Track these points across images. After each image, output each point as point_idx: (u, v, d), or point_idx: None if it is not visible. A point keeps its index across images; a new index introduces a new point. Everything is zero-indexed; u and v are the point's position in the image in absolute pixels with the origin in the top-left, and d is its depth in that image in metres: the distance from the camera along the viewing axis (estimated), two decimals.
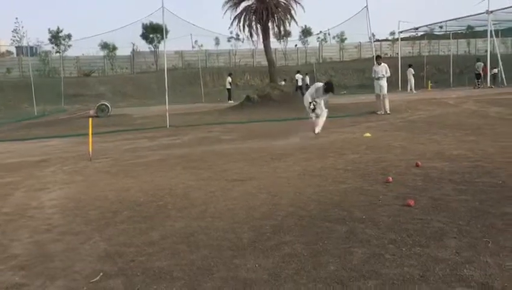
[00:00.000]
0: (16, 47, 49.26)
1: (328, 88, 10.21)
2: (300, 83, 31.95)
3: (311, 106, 10.53)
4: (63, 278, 3.44)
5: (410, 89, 28.81)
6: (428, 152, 7.72)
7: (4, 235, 4.56)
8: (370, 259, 3.43)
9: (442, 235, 3.83)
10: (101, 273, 3.47)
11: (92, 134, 9.31)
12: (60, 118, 22.59)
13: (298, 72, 33.42)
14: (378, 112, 15.58)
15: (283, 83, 30.35)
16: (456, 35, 44.64)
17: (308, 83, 30.76)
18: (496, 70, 29.61)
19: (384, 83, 15.88)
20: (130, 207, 5.32)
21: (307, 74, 33.36)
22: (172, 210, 5.11)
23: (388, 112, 15.40)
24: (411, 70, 29.35)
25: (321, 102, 10.37)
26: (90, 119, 10.00)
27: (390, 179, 5.84)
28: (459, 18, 32.21)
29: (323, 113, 10.53)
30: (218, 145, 10.17)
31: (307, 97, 10.48)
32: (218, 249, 3.83)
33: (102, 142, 11.67)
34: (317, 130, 10.29)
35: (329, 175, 6.41)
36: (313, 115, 10.48)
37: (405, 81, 29.81)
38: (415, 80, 29.55)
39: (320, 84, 10.46)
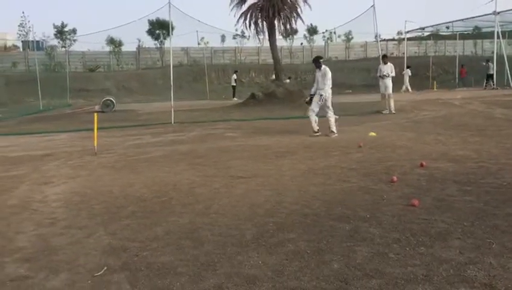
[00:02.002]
0: (22, 41, 49.41)
1: (313, 62, 10.92)
2: None
3: (307, 99, 10.86)
4: (67, 272, 3.45)
5: (406, 89, 28.83)
6: (433, 152, 7.70)
7: (9, 227, 4.58)
8: (374, 258, 3.43)
9: (446, 235, 3.83)
10: (105, 268, 3.48)
11: (97, 129, 9.33)
12: (65, 113, 22.68)
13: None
14: (384, 112, 15.56)
15: (288, 80, 30.37)
16: (463, 36, 44.43)
17: None
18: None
19: (389, 82, 15.87)
20: (134, 202, 5.33)
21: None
22: (177, 206, 5.12)
23: (393, 111, 15.37)
24: (408, 72, 29.52)
25: (318, 95, 10.60)
26: (96, 114, 10.03)
27: (395, 178, 5.83)
28: (466, 19, 32.05)
29: (329, 113, 10.59)
30: (222, 142, 10.17)
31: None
32: (222, 245, 3.84)
33: (107, 137, 11.70)
34: (334, 129, 10.51)
35: (333, 174, 6.41)
36: (310, 112, 10.64)
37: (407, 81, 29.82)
38: (409, 80, 29.87)
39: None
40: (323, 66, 10.78)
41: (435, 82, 33.67)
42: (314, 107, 10.71)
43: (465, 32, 42.27)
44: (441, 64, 40.09)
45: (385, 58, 16.51)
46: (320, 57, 11.20)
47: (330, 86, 10.70)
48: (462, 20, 32.48)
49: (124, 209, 5.08)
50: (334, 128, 10.52)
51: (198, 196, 5.52)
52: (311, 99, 10.82)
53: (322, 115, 10.87)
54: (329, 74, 10.60)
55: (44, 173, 7.36)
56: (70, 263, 3.62)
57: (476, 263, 3.25)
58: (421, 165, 6.60)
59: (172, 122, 14.85)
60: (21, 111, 24.40)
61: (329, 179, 6.13)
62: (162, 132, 12.90)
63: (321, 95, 10.59)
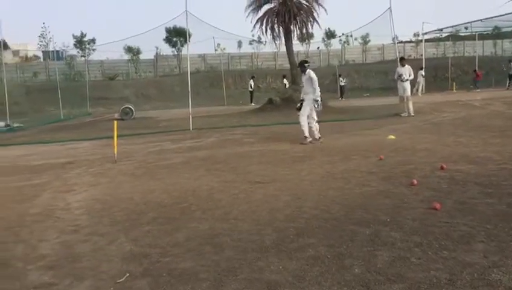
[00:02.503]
0: (43, 51, 50.42)
1: (298, 66, 10.87)
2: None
3: (298, 105, 10.66)
4: (91, 278, 3.50)
5: (416, 90, 28.60)
6: (454, 155, 7.60)
7: (32, 235, 4.67)
8: (395, 262, 3.40)
9: (469, 238, 3.78)
10: (127, 274, 3.52)
11: (117, 136, 9.45)
12: (86, 121, 23.01)
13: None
14: (402, 114, 15.42)
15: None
16: (482, 36, 43.81)
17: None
18: None
19: (407, 85, 15.73)
20: (155, 208, 5.38)
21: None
22: (197, 212, 5.15)
23: (412, 114, 15.22)
24: (421, 73, 29.27)
25: (308, 99, 10.38)
26: (115, 122, 10.16)
27: (415, 181, 5.77)
28: (485, 19, 31.61)
29: (312, 121, 10.44)
30: (240, 148, 10.20)
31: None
32: (243, 251, 3.85)
33: (127, 144, 11.83)
34: (306, 134, 10.26)
35: (353, 178, 6.38)
36: (302, 117, 10.40)
37: (419, 83, 29.52)
38: (424, 82, 29.70)
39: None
40: (307, 70, 10.53)
41: (454, 83, 33.24)
42: (306, 113, 10.43)
43: (485, 33, 41.67)
44: (460, 65, 39.54)
45: (403, 60, 16.38)
46: (306, 61, 10.97)
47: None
48: (481, 20, 32.06)
49: (145, 215, 5.13)
50: (306, 133, 10.26)
51: (217, 201, 5.55)
52: (301, 105, 10.58)
53: (320, 120, 10.77)
54: (315, 78, 10.36)
55: (66, 181, 7.47)
56: (93, 269, 3.67)
57: (500, 267, 3.20)
58: (442, 167, 6.52)
59: (191, 129, 14.94)
60: (42, 120, 24.81)
61: (349, 183, 6.10)
62: (181, 138, 12.99)
63: (316, 101, 10.34)
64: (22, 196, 6.50)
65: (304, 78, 10.61)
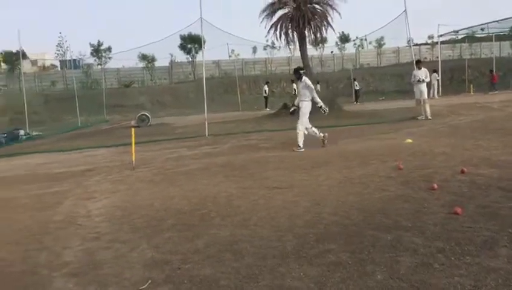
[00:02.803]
0: (60, 61, 51.26)
1: (294, 73, 10.70)
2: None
3: (291, 110, 10.66)
4: (114, 285, 3.54)
5: (433, 95, 28.34)
6: (474, 158, 7.51)
7: (56, 242, 4.73)
8: (418, 268, 3.37)
9: (492, 244, 3.72)
10: (149, 281, 3.55)
11: (134, 143, 9.54)
12: (103, 129, 23.28)
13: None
14: (419, 118, 15.30)
15: (318, 86, 30.24)
16: (499, 37, 43.28)
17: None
18: None
19: (424, 87, 15.62)
20: (174, 215, 5.42)
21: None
22: (216, 218, 5.17)
23: (429, 117, 15.09)
24: (435, 76, 29.02)
25: (305, 107, 10.31)
26: (133, 129, 10.27)
27: (435, 186, 5.71)
28: (502, 20, 31.25)
29: (299, 127, 10.29)
30: (257, 153, 10.22)
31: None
32: (263, 257, 3.86)
33: (145, 151, 11.94)
34: (300, 143, 10.16)
35: (371, 182, 6.34)
36: (300, 125, 10.27)
37: (433, 86, 29.26)
38: (438, 85, 29.46)
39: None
40: (303, 78, 10.41)
41: (471, 85, 32.85)
42: (306, 121, 10.34)
43: (501, 34, 41.18)
44: (477, 66, 39.09)
45: (419, 63, 16.27)
46: (301, 68, 10.94)
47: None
48: (498, 21, 31.70)
49: (165, 222, 5.17)
50: (300, 143, 10.18)
51: (236, 208, 5.56)
52: (294, 110, 10.52)
53: (325, 125, 10.76)
54: (311, 85, 10.40)
55: (86, 188, 7.57)
56: (116, 276, 3.71)
57: None
58: (462, 171, 6.44)
59: (207, 135, 15.02)
60: (60, 128, 25.19)
61: (367, 188, 6.06)
62: (197, 144, 13.06)
63: (320, 107, 10.33)
64: (44, 203, 6.61)
65: (300, 85, 10.53)
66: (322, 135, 10.46)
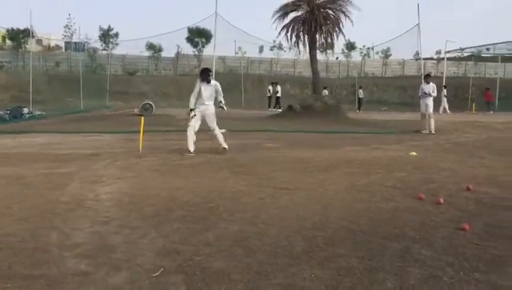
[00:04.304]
0: (65, 42, 51.08)
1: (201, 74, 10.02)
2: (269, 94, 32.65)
3: (191, 114, 9.89)
4: (126, 270, 3.57)
5: (444, 110, 28.43)
6: (479, 176, 7.58)
7: (65, 223, 4.75)
8: (428, 280, 3.42)
9: (501, 262, 3.78)
10: (162, 269, 3.59)
11: (143, 132, 9.56)
12: (105, 114, 23.27)
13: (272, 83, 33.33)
14: (423, 131, 15.39)
15: (326, 91, 30.34)
16: (505, 59, 43.50)
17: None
18: None
19: (430, 101, 15.72)
20: (182, 207, 5.45)
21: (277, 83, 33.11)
22: (224, 213, 5.21)
23: (433, 131, 15.19)
24: (444, 92, 29.15)
25: (210, 110, 10.02)
26: (142, 117, 10.29)
27: (442, 200, 5.77)
28: (509, 41, 31.47)
29: (216, 130, 10.20)
30: (262, 152, 10.26)
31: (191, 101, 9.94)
32: (273, 256, 3.90)
33: (149, 140, 11.88)
34: (191, 148, 9.82)
35: (377, 191, 6.39)
36: (189, 129, 9.94)
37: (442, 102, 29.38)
38: (447, 101, 29.43)
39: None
40: (212, 80, 10.12)
41: (473, 104, 32.98)
42: (198, 125, 10.10)
43: (506, 55, 41.42)
44: (480, 86, 39.27)
45: (428, 77, 16.40)
46: (209, 70, 10.50)
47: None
48: (505, 42, 31.91)
49: (173, 213, 5.20)
50: (224, 144, 10.07)
51: (244, 204, 5.60)
52: (195, 114, 9.97)
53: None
54: (220, 89, 10.18)
55: (94, 172, 7.59)
56: (128, 261, 3.74)
57: None
58: (468, 188, 6.51)
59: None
60: (63, 110, 25.16)
61: (374, 196, 6.12)
62: (200, 138, 13.03)
63: (221, 102, 10.19)
64: (52, 183, 6.63)
65: (208, 88, 9.96)
66: (192, 154, 9.74)
